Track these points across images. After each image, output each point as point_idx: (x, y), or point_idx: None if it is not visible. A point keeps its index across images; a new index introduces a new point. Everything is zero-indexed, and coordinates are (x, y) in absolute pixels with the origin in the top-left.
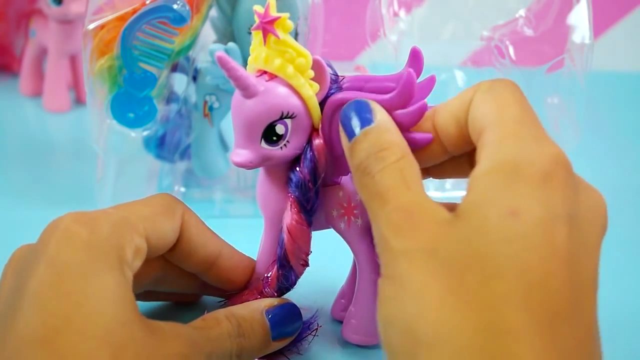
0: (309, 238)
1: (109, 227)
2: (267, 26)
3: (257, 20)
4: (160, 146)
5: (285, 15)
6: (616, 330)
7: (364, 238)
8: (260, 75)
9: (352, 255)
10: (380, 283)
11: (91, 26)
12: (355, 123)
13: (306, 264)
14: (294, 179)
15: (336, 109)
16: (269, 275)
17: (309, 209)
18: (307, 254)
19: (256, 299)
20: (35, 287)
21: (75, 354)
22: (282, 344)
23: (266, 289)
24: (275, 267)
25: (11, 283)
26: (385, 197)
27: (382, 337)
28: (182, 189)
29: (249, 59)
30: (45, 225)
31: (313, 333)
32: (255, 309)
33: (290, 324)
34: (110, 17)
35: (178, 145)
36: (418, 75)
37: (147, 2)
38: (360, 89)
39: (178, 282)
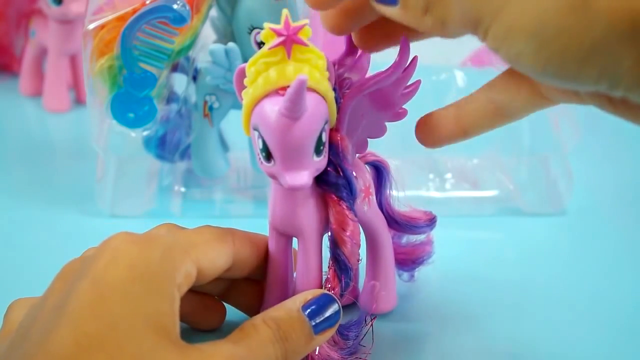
0: (360, 231)
1: (161, 250)
2: (295, 37)
3: (272, 37)
4: (160, 146)
5: (306, 21)
6: (616, 330)
7: (379, 212)
8: (285, 91)
9: None
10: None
11: (91, 26)
12: None
13: (359, 259)
14: (339, 182)
15: (355, 103)
16: (330, 288)
17: (353, 203)
18: (359, 247)
19: None
20: (75, 304)
21: None
22: (326, 337)
23: None
24: (335, 276)
25: (57, 297)
26: None
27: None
28: (182, 189)
29: (268, 79)
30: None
31: (370, 324)
32: (291, 308)
33: (329, 314)
34: (110, 17)
35: (178, 145)
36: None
37: (147, 2)
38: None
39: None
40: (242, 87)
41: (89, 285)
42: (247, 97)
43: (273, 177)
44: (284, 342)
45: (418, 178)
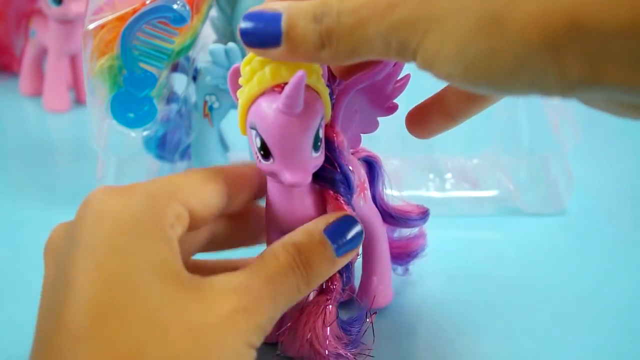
0: None
1: (143, 196)
2: None
3: None
4: (160, 146)
5: None
6: (616, 330)
7: (374, 207)
8: (281, 89)
9: None
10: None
11: (91, 26)
12: (270, 25)
13: (359, 254)
14: (336, 177)
15: (348, 99)
16: (331, 283)
17: (351, 198)
18: None
19: (325, 308)
20: (76, 277)
21: (121, 341)
22: (348, 259)
23: (332, 297)
24: (337, 273)
25: (53, 271)
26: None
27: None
28: None
29: (263, 78)
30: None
31: (371, 319)
32: (313, 231)
33: (351, 236)
34: (110, 17)
35: (178, 145)
36: None
37: (147, 2)
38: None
39: (227, 244)
40: (236, 87)
41: (82, 252)
42: (242, 96)
43: (272, 175)
44: (306, 268)
45: (418, 178)
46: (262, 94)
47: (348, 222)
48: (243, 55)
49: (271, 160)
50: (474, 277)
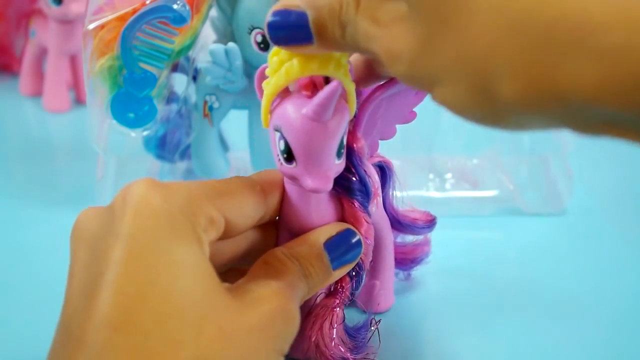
0: (373, 232)
1: (180, 196)
2: None
3: None
4: (160, 146)
5: None
6: (616, 329)
7: (384, 213)
8: (310, 93)
9: None
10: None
11: (91, 26)
12: (297, 25)
13: (371, 259)
14: (355, 184)
15: (373, 106)
16: (340, 286)
17: (368, 205)
18: (372, 248)
19: (332, 310)
20: (111, 267)
21: (156, 336)
22: (343, 272)
23: (340, 300)
24: (347, 275)
25: (85, 257)
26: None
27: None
28: None
29: (291, 69)
30: (119, 192)
31: (375, 326)
32: (313, 244)
33: (349, 251)
34: (110, 17)
35: (178, 145)
36: None
37: (147, 2)
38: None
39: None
40: (262, 88)
41: (120, 244)
42: (268, 87)
43: (293, 179)
44: (307, 278)
45: (418, 178)
46: (289, 97)
47: (349, 236)
48: (243, 56)
49: (294, 164)
50: (474, 277)
